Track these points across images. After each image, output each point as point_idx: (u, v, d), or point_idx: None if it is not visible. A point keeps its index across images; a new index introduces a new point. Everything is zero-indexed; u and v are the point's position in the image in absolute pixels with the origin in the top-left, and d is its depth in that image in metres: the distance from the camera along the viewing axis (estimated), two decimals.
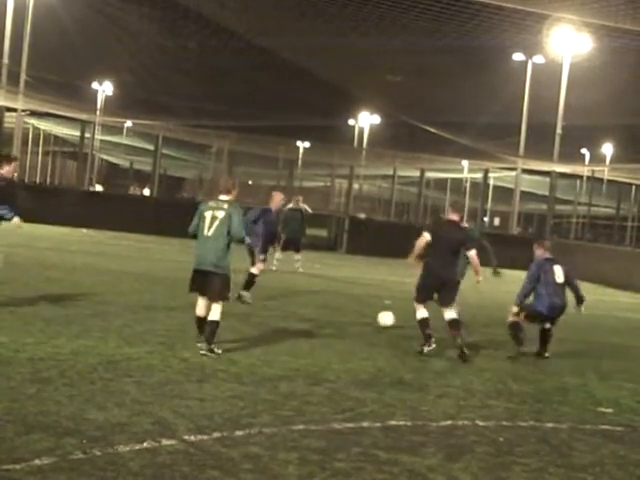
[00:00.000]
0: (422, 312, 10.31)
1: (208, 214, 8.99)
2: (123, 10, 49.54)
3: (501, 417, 7.41)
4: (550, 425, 7.35)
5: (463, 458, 6.04)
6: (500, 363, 10.28)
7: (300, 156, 64.31)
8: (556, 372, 9.21)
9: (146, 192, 59.90)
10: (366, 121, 64.69)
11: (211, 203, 9.17)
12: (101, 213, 30.12)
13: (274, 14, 43.27)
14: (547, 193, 45.97)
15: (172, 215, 31.54)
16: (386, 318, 12.15)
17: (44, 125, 60.21)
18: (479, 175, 55.52)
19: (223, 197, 9.15)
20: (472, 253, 10.40)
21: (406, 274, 15.78)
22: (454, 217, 10.61)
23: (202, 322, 8.96)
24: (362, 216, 48.56)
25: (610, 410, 8.11)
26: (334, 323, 12.30)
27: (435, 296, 10.44)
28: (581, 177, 56.44)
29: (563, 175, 48.00)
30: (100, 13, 48.49)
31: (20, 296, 11.74)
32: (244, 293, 12.60)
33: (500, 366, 10.03)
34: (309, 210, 20.85)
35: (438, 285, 10.31)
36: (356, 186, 58.79)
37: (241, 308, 12.70)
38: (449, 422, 7.04)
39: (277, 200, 13.26)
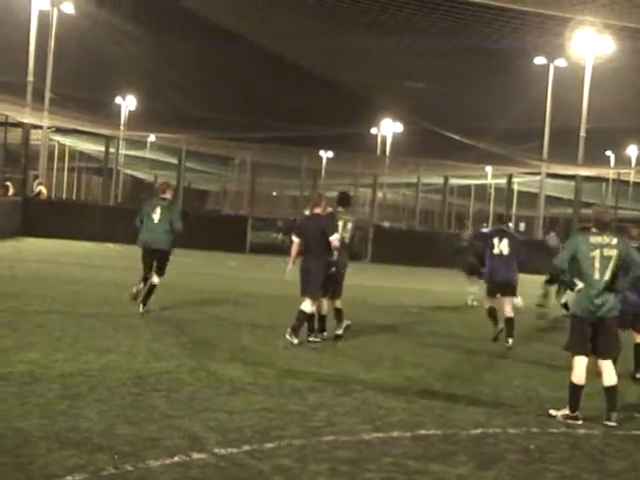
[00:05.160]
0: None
1: (596, 253, 7.73)
2: (145, 25, 50.01)
3: (532, 424, 7.36)
4: (582, 431, 7.29)
5: (494, 466, 6.01)
6: (529, 369, 10.21)
7: (323, 166, 64.37)
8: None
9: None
10: (389, 129, 64.63)
11: (596, 239, 7.78)
12: (126, 228, 30.28)
13: (295, 23, 43.43)
14: (572, 197, 45.68)
15: (196, 228, 31.72)
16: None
17: (69, 141, 60.71)
18: (503, 181, 55.26)
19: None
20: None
21: (431, 281, 15.84)
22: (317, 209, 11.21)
23: None
24: (386, 224, 48.49)
25: None
26: (359, 332, 12.27)
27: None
28: (607, 180, 56.04)
29: (588, 178, 47.67)
30: (122, 29, 48.99)
31: (48, 312, 11.85)
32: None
33: (529, 372, 9.96)
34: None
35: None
36: (380, 194, 58.71)
37: (265, 320, 12.72)
38: (479, 430, 7.00)
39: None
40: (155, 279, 12.80)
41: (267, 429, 6.50)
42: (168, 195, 13.36)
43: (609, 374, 7.68)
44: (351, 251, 11.64)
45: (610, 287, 7.67)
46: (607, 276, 7.65)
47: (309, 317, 11.03)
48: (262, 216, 42.64)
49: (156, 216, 12.90)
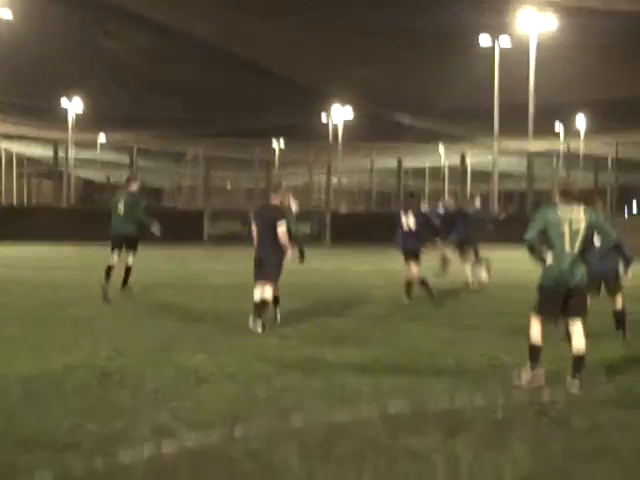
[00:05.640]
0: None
1: (565, 225, 7.68)
2: (85, 27, 49.39)
3: (497, 393, 7.43)
4: (546, 397, 7.38)
5: (463, 437, 6.06)
6: (493, 339, 10.31)
7: (276, 156, 64.29)
8: (549, 342, 9.18)
9: None
10: (339, 116, 64.73)
11: (565, 211, 7.74)
12: (80, 229, 30.08)
13: (236, 15, 43.22)
14: (525, 171, 46.21)
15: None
16: None
17: (16, 148, 59.87)
18: (457, 160, 55.72)
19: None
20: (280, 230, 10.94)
21: (390, 261, 15.99)
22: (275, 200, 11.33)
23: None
24: (343, 209, 48.60)
25: (604, 375, 8.14)
26: (322, 314, 12.32)
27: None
28: (557, 153, 56.80)
29: (540, 152, 48.29)
30: (63, 32, 48.33)
31: (6, 317, 11.68)
32: None
33: (493, 342, 10.06)
34: (297, 208, 19.89)
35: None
36: (335, 180, 58.79)
37: (227, 309, 12.66)
38: (447, 403, 7.06)
39: None
40: (130, 260, 14.29)
41: (236, 416, 6.47)
42: (133, 187, 14.63)
43: (578, 339, 7.72)
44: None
45: (580, 258, 7.70)
46: (577, 248, 7.66)
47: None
48: (218, 208, 42.34)
49: (121, 207, 14.24)
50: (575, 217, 7.69)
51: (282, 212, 11.24)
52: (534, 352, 7.81)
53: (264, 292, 10.93)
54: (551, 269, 7.69)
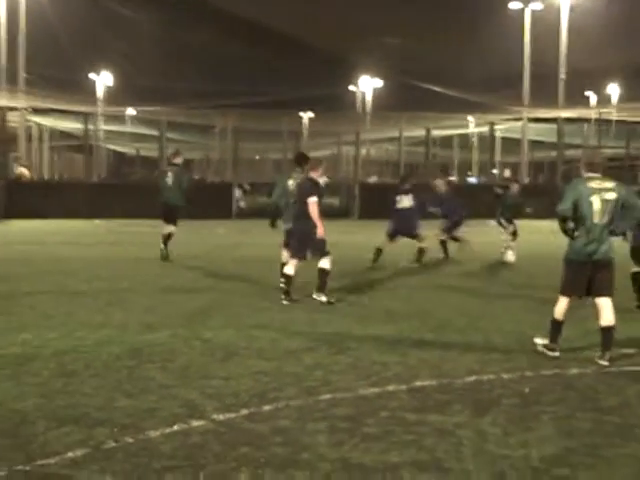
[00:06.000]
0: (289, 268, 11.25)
1: (595, 197, 7.69)
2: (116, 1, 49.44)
3: (525, 368, 7.43)
4: (574, 371, 7.38)
5: (490, 412, 6.08)
6: (520, 315, 10.28)
7: (305, 127, 64.04)
8: (577, 318, 9.16)
9: None
10: (367, 86, 64.26)
11: (594, 183, 7.77)
12: (111, 202, 30.28)
13: None
14: (555, 140, 45.68)
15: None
16: None
17: (47, 121, 60.18)
18: (486, 129, 55.12)
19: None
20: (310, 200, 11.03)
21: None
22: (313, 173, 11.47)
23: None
24: (372, 180, 48.37)
25: (632, 350, 8.10)
26: (350, 289, 12.33)
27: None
28: (588, 120, 56.02)
29: (570, 120, 47.66)
30: (91, 5, 48.39)
31: (39, 292, 11.84)
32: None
33: (520, 318, 10.04)
34: (326, 180, 19.70)
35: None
36: (363, 151, 58.50)
37: (257, 284, 12.73)
38: (474, 378, 7.08)
39: None
40: (169, 228, 15.99)
41: (264, 392, 6.55)
42: (177, 160, 16.58)
43: (606, 314, 7.76)
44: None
45: (608, 230, 7.76)
46: (606, 220, 7.71)
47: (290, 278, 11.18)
48: (248, 181, 42.32)
49: (169, 180, 16.06)
50: (604, 188, 7.72)
51: (317, 187, 11.24)
52: (556, 327, 7.95)
53: (321, 263, 11.05)
54: (579, 241, 7.73)
